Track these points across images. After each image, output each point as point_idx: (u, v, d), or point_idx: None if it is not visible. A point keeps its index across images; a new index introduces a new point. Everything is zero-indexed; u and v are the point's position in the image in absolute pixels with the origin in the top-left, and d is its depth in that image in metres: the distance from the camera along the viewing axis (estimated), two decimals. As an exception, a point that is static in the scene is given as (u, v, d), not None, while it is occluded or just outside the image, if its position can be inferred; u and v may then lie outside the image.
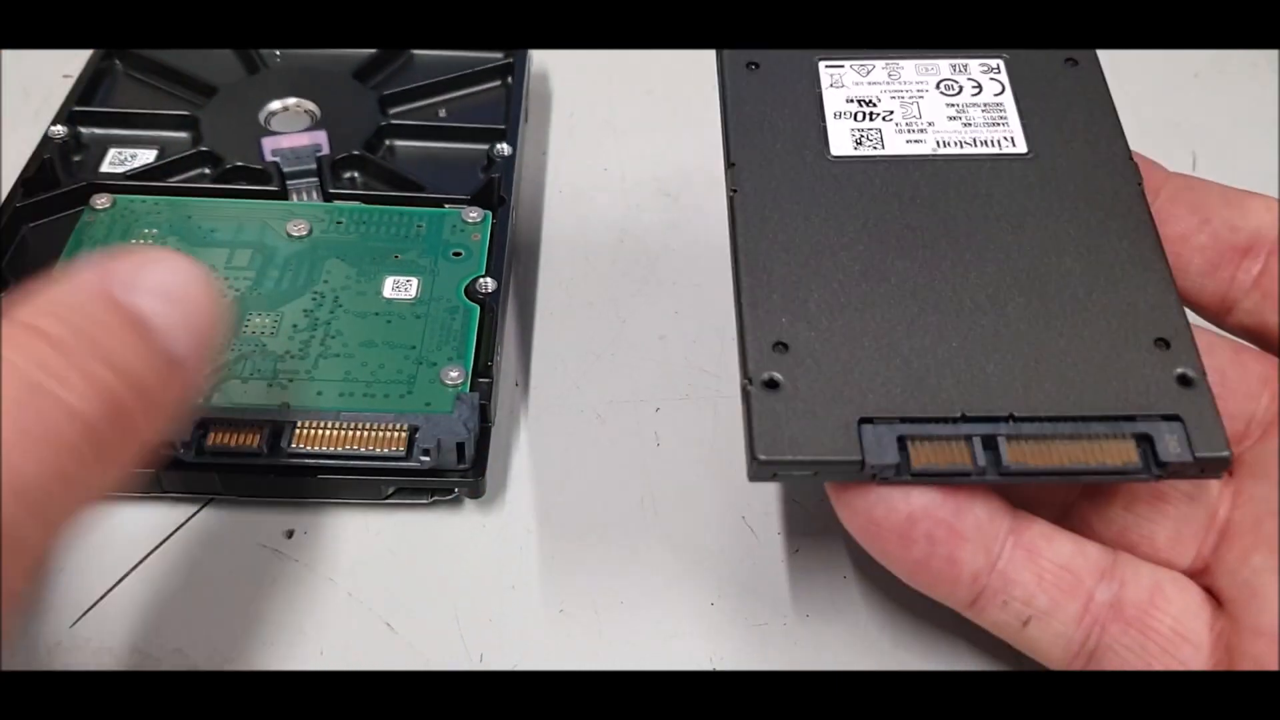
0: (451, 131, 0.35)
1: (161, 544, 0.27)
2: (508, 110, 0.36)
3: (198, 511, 0.28)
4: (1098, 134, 0.26)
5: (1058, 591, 0.22)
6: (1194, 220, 0.26)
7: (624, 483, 0.29)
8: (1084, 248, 0.24)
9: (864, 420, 0.22)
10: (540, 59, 0.40)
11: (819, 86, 0.27)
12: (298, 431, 0.27)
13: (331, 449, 0.26)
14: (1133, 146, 0.26)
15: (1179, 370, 0.22)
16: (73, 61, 0.37)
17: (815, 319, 0.23)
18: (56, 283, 0.20)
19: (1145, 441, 0.22)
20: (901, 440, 0.21)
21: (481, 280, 0.30)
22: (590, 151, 0.38)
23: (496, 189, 0.33)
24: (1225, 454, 0.21)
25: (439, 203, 0.32)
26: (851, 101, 0.27)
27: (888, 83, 0.27)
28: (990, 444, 0.22)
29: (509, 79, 0.37)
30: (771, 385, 0.22)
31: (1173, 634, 0.22)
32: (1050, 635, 0.22)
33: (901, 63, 0.28)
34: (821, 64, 0.28)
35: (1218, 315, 0.26)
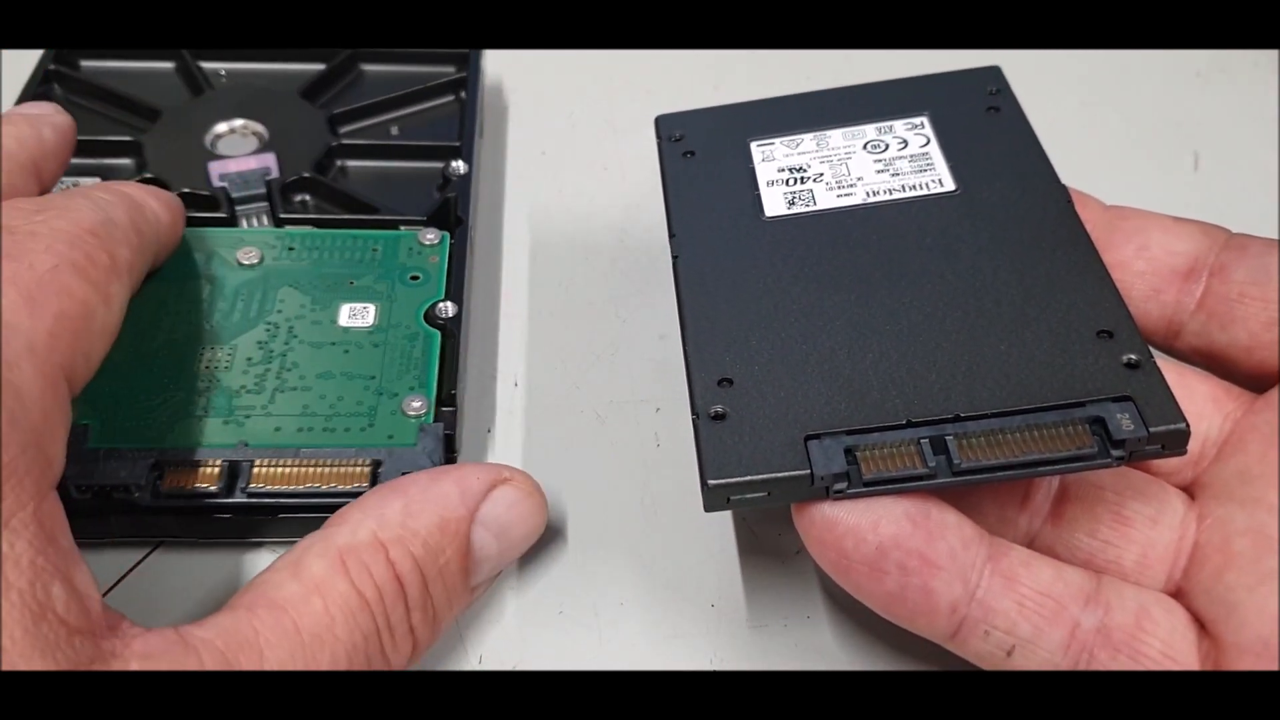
0: (404, 150, 0.35)
1: (107, 593, 0.26)
2: (462, 125, 0.35)
3: (147, 556, 0.27)
4: (1023, 164, 0.27)
5: (1040, 619, 0.22)
6: (1131, 247, 0.26)
7: (624, 483, 0.29)
8: (1018, 260, 0.25)
9: (811, 437, 0.22)
10: (494, 71, 0.40)
11: (752, 163, 0.28)
12: (256, 470, 0.26)
13: (292, 487, 0.25)
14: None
15: (1125, 356, 0.22)
16: (8, 83, 0.36)
17: (757, 354, 0.24)
18: (423, 494, 0.23)
19: (1098, 425, 0.22)
20: (849, 451, 0.22)
21: (441, 305, 0.29)
22: (590, 151, 0.38)
23: (453, 209, 0.32)
24: (1181, 426, 0.21)
25: (394, 224, 0.31)
26: (783, 171, 0.28)
27: (816, 150, 0.28)
28: (940, 446, 0.22)
29: (462, 93, 0.36)
30: (719, 417, 0.23)
31: (1162, 657, 0.22)
32: (1036, 664, 0.22)
33: (829, 132, 0.29)
34: (753, 144, 0.29)
35: (1166, 340, 0.26)
